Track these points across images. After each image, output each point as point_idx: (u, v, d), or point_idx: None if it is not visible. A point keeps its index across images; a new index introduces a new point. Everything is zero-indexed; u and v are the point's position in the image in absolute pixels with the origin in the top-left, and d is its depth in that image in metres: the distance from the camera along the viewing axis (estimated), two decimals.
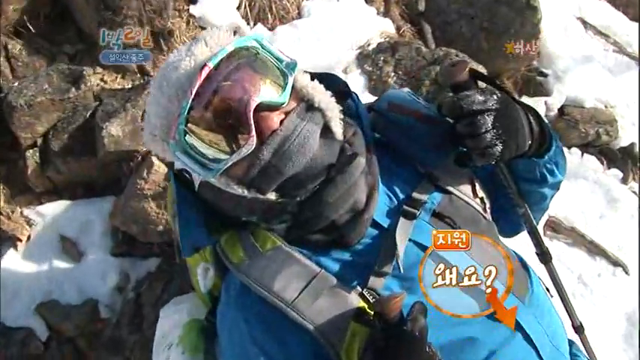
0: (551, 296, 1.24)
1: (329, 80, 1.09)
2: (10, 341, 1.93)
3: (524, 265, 1.16)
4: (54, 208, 2.11)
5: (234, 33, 1.02)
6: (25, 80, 2.02)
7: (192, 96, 0.87)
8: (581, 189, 3.13)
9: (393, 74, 2.67)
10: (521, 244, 1.44)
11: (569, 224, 2.93)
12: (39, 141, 2.08)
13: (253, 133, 0.88)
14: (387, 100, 1.21)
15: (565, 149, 3.24)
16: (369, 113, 1.19)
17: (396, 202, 1.06)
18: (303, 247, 1.00)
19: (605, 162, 3.37)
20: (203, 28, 2.65)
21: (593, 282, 2.74)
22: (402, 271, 0.95)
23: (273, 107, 0.92)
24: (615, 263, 2.83)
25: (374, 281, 0.96)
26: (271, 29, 2.74)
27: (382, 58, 2.72)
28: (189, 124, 0.90)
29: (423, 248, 0.99)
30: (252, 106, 0.88)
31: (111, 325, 1.91)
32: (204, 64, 0.88)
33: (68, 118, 2.03)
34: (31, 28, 2.41)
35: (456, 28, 3.14)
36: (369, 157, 1.05)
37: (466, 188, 1.14)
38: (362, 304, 0.93)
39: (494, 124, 0.97)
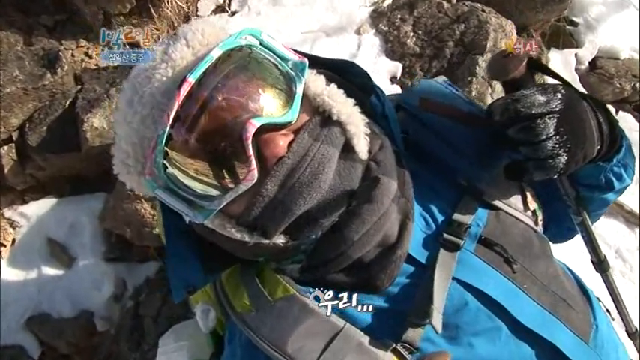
0: (613, 319, 1.10)
1: (346, 71, 0.91)
2: None
3: (583, 289, 1.04)
4: (39, 207, 1.95)
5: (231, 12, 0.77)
6: None
7: (171, 122, 0.69)
8: None
9: (412, 34, 2.43)
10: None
11: None
12: (14, 135, 1.89)
13: (254, 166, 0.70)
14: (419, 95, 1.01)
15: None
16: (397, 112, 0.99)
17: (434, 227, 0.89)
18: (322, 290, 0.83)
19: None
20: None
21: (632, 257, 2.57)
22: (437, 331, 0.79)
23: (278, 126, 0.74)
24: None
25: (410, 332, 0.80)
26: None
27: (399, 16, 2.49)
28: (170, 154, 0.72)
29: (470, 288, 0.84)
30: (251, 131, 0.70)
31: (109, 338, 1.75)
32: (184, 78, 0.69)
33: (45, 108, 1.82)
34: None
35: None
36: (402, 173, 0.87)
37: (516, 200, 0.96)
38: None
39: (558, 129, 0.80)
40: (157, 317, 1.62)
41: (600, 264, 1.18)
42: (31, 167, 1.91)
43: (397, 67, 2.35)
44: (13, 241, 1.92)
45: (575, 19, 3.22)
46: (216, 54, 0.71)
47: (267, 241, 0.78)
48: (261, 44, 0.77)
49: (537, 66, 0.92)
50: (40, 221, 1.91)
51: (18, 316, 1.82)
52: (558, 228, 1.10)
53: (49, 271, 1.87)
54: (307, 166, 0.73)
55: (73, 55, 2.21)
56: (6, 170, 1.89)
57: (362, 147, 0.80)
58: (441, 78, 1.10)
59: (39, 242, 1.90)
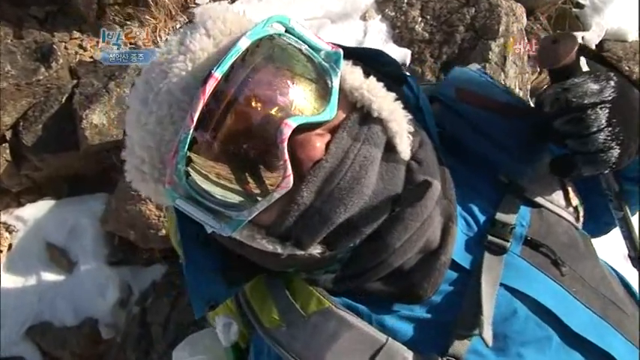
0: None
1: (373, 60, 0.82)
2: None
3: (630, 290, 0.97)
4: (36, 209, 1.88)
5: None
6: None
7: (195, 123, 0.61)
8: None
9: (420, 19, 2.35)
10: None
11: None
12: (8, 134, 1.81)
13: (289, 171, 0.63)
14: (455, 85, 0.93)
15: None
16: (432, 105, 0.92)
17: (476, 228, 0.83)
18: (357, 300, 0.77)
19: None
20: None
21: None
22: (488, 345, 0.73)
23: (313, 125, 0.66)
24: None
25: (457, 345, 0.75)
26: None
27: (406, 1, 2.41)
28: (192, 160, 0.65)
29: (518, 294, 0.78)
30: (287, 133, 0.62)
31: (115, 347, 1.68)
32: (209, 74, 0.61)
33: (40, 104, 1.74)
34: None
35: None
36: (442, 172, 0.80)
37: (558, 197, 0.91)
38: None
39: (610, 120, 0.74)
40: (165, 324, 1.56)
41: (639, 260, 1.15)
42: (26, 168, 1.84)
43: (406, 54, 2.27)
44: (10, 246, 1.85)
45: (581, 1, 3.16)
46: (244, 45, 0.63)
47: (301, 253, 0.71)
48: (291, 33, 0.68)
49: (587, 52, 0.85)
50: (37, 224, 1.84)
51: (18, 326, 1.76)
52: (596, 223, 1.03)
53: (49, 277, 1.80)
54: (348, 169, 0.66)
55: (66, 48, 2.12)
56: (0, 171, 1.81)
57: (404, 146, 0.73)
58: (475, 66, 1.04)
59: (37, 247, 1.84)
